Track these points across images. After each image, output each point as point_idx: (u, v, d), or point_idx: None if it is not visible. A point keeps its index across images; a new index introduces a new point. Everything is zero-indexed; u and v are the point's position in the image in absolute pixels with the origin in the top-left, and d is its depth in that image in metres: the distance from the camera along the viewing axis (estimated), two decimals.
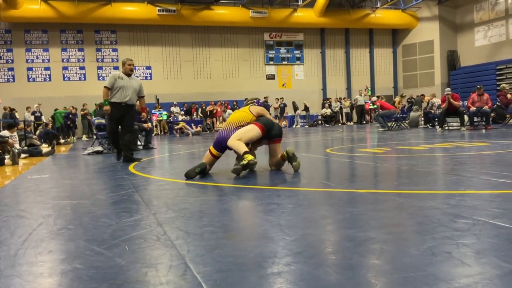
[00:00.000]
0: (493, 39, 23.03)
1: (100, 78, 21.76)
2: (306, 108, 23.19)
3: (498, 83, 20.93)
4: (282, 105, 22.33)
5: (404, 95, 19.05)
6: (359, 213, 2.64)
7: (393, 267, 1.69)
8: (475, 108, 12.13)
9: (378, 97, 19.61)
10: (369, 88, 24.40)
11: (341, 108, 23.92)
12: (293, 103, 23.15)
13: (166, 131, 20.34)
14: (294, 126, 23.25)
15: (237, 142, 4.50)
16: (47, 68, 21.13)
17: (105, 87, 6.74)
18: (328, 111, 23.34)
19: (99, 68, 21.92)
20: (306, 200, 3.16)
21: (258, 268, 1.74)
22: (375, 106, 18.40)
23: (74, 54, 21.54)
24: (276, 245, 2.03)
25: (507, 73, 21.61)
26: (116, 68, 21.86)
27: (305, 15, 23.62)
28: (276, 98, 22.42)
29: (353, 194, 3.32)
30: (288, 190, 3.67)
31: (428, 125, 15.03)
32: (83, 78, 21.68)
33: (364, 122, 22.98)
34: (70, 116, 18.69)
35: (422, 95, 19.67)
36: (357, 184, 3.87)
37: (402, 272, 1.62)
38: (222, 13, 22.37)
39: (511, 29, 22.14)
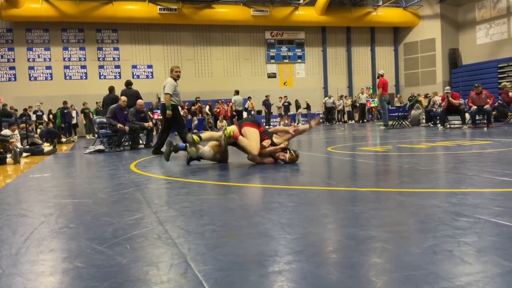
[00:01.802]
0: (495, 37, 22.97)
1: (101, 77, 21.78)
2: (308, 107, 23.16)
3: (499, 81, 20.86)
4: (286, 104, 22.33)
5: (429, 95, 18.93)
6: (360, 211, 2.64)
7: (394, 265, 1.69)
8: (476, 107, 12.10)
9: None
10: (371, 87, 24.36)
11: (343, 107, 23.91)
12: (296, 101, 23.13)
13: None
14: (295, 124, 23.21)
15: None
16: (48, 67, 21.14)
17: (167, 93, 7.56)
18: (348, 101, 23.36)
19: (101, 67, 21.92)
20: (307, 199, 3.16)
21: (259, 267, 1.74)
22: (376, 101, 18.12)
23: (76, 53, 21.55)
24: (277, 244, 2.03)
25: (509, 71, 21.54)
26: (117, 67, 21.89)
27: (306, 14, 23.58)
28: (280, 97, 22.40)
29: (355, 192, 3.32)
30: (289, 188, 3.67)
31: (429, 123, 14.99)
32: (84, 77, 21.69)
33: (365, 120, 22.95)
34: (65, 111, 18.46)
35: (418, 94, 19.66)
36: (359, 182, 3.86)
37: (403, 270, 1.62)
38: (223, 12, 22.34)
39: None
